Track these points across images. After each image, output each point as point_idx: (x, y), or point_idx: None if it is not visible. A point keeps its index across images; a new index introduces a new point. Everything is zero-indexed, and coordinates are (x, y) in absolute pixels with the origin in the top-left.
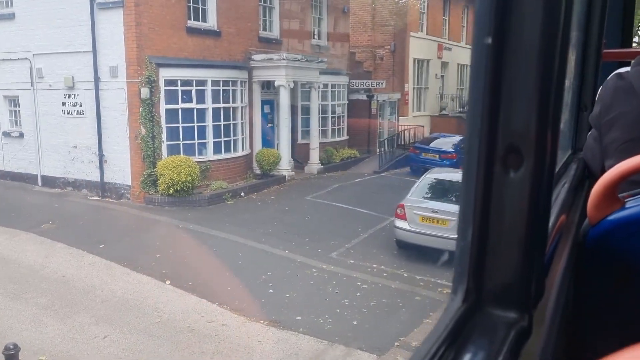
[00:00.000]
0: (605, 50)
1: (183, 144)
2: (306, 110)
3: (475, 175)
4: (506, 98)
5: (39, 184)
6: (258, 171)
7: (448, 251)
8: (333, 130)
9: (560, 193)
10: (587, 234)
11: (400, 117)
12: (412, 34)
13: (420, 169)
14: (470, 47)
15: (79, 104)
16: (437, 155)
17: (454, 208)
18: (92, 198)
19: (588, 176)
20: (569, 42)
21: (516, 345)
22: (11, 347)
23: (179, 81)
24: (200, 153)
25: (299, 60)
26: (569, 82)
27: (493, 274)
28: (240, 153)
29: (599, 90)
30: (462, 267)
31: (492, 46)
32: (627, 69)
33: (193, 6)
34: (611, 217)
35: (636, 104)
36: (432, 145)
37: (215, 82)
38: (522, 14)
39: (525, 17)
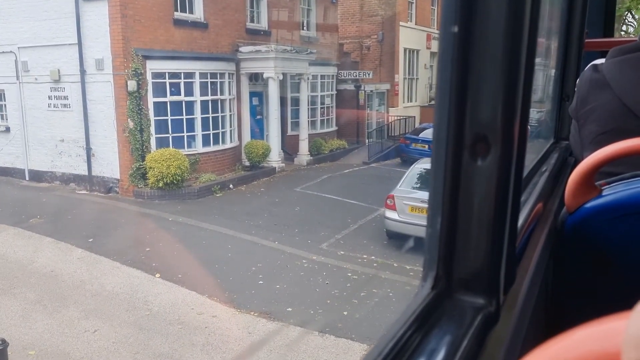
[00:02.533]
0: (587, 40)
1: (172, 137)
2: (295, 102)
3: (444, 164)
4: (473, 87)
5: (27, 178)
6: (247, 163)
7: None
8: (322, 121)
9: (539, 181)
10: (565, 221)
11: (390, 108)
12: (401, 23)
13: (410, 160)
14: None
15: (66, 98)
16: (427, 146)
17: None
18: (80, 192)
19: (573, 164)
20: (537, 30)
21: (483, 330)
22: None
23: (166, 74)
24: (189, 146)
25: (287, 51)
26: (550, 72)
27: (462, 261)
28: (228, 145)
29: (577, 82)
30: (431, 255)
31: (459, 35)
32: (603, 60)
33: None
34: (588, 205)
35: (609, 98)
36: (421, 135)
37: (203, 75)
38: (488, 1)
39: (491, 5)
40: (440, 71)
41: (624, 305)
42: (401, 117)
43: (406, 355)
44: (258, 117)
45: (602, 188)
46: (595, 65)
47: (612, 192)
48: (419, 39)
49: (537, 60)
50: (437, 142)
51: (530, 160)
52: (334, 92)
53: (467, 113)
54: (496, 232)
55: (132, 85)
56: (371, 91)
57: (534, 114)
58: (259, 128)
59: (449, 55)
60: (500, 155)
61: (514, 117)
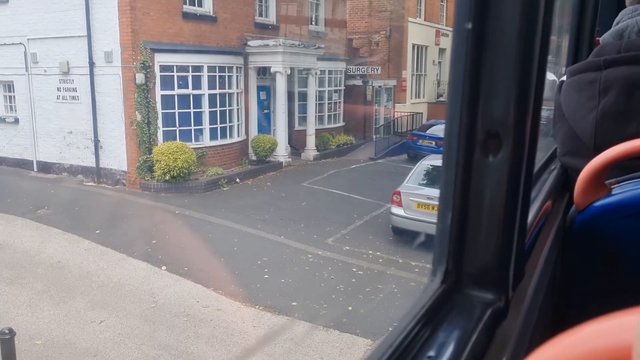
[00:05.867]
0: (598, 39)
1: (179, 130)
2: (303, 97)
3: (455, 159)
4: (486, 83)
5: (35, 169)
6: (254, 157)
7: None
8: (329, 117)
9: (548, 179)
10: (574, 219)
11: (397, 104)
12: (410, 19)
13: (417, 156)
14: None
15: (74, 90)
16: (434, 142)
17: None
18: (88, 184)
19: None
20: (551, 27)
21: (492, 324)
22: (7, 331)
23: (174, 67)
24: (196, 139)
25: (296, 46)
26: (561, 69)
27: (472, 256)
28: (236, 139)
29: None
30: (441, 249)
31: (472, 31)
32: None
33: None
34: (597, 203)
35: (564, 120)
36: (428, 132)
37: (211, 68)
38: None
39: (505, 2)
40: (453, 67)
41: (632, 303)
42: (409, 113)
43: (416, 349)
44: (265, 111)
45: (612, 187)
46: (560, 85)
47: (622, 191)
48: (427, 35)
49: (548, 58)
50: (449, 137)
51: (539, 158)
52: (342, 88)
53: (479, 109)
54: (506, 228)
55: (140, 78)
56: (379, 87)
57: (544, 112)
58: (266, 122)
59: (462, 51)
60: (512, 151)
61: (526, 114)
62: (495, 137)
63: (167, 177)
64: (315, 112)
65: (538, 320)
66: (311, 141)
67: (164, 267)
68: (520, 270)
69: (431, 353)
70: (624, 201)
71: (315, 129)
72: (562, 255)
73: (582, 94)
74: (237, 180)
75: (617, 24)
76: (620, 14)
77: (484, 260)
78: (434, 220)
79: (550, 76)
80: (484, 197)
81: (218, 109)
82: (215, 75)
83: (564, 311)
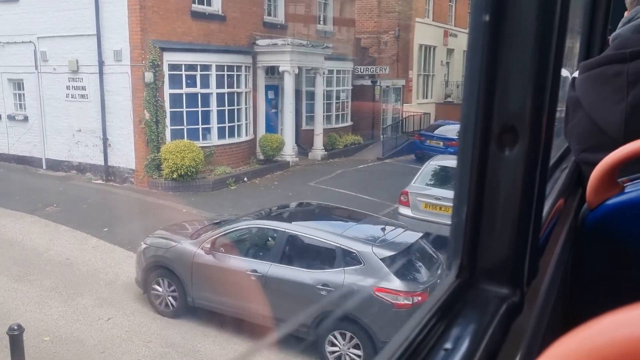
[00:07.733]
0: (610, 37)
1: (187, 129)
2: (310, 96)
3: (471, 153)
4: (502, 76)
5: (44, 167)
6: (261, 157)
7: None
8: (337, 116)
9: (561, 177)
10: (586, 217)
11: (404, 104)
12: (417, 19)
13: (425, 156)
14: None
15: (83, 88)
16: (442, 143)
17: None
18: (96, 182)
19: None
20: (567, 21)
21: (507, 319)
22: (15, 327)
23: (183, 66)
24: (204, 138)
25: (304, 45)
26: (574, 68)
27: (487, 251)
28: (244, 138)
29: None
30: (456, 244)
31: (490, 24)
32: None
33: None
34: (610, 202)
35: (583, 116)
36: (436, 132)
37: (219, 67)
38: None
39: None
40: (469, 59)
41: None
42: (416, 114)
43: (432, 341)
44: (273, 110)
45: (625, 185)
46: (573, 82)
47: (634, 189)
48: (435, 35)
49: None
50: (464, 131)
51: (551, 156)
52: (350, 87)
53: (495, 102)
54: (521, 223)
55: (148, 76)
56: (387, 87)
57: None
58: (274, 122)
59: (479, 45)
60: (528, 145)
61: (543, 107)
62: (511, 131)
63: (174, 176)
64: (323, 112)
65: (551, 317)
66: (319, 141)
67: None
68: (534, 266)
69: (448, 345)
70: (636, 199)
71: (323, 129)
72: (574, 254)
73: (606, 87)
74: (245, 179)
75: (632, 19)
76: (633, 10)
77: (498, 254)
78: (442, 220)
79: (564, 72)
80: (499, 191)
81: (226, 107)
82: (224, 74)
83: (575, 309)
